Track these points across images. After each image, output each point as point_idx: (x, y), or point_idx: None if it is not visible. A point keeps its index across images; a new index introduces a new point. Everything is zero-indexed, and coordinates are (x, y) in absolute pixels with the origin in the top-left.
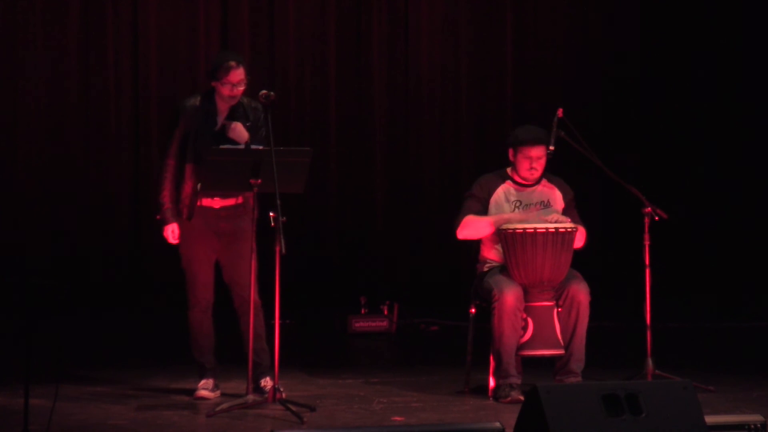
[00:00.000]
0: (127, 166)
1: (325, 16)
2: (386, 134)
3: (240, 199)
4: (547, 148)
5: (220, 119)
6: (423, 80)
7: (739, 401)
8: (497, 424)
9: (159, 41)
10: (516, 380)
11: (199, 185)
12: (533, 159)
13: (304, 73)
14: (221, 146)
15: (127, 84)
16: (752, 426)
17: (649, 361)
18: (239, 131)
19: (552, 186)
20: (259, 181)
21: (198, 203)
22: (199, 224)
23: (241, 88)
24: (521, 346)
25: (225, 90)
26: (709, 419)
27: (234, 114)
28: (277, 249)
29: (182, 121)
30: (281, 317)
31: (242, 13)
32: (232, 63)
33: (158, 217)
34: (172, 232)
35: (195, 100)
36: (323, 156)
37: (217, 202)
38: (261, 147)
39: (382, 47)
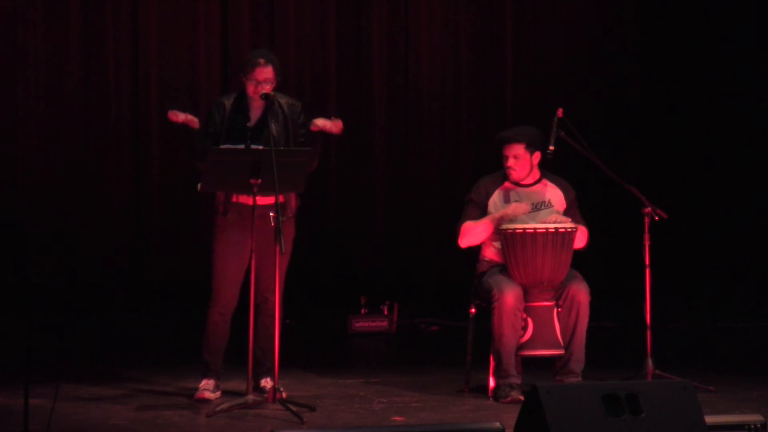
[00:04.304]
0: (127, 166)
1: (325, 16)
2: (386, 134)
3: (281, 198)
4: (546, 149)
5: (254, 116)
6: (423, 80)
7: (739, 401)
8: (497, 424)
9: (159, 41)
10: (516, 380)
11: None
12: (507, 157)
13: (304, 73)
14: (221, 146)
15: (127, 84)
16: (752, 426)
17: (649, 361)
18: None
19: (553, 186)
20: (259, 181)
21: (234, 200)
22: (235, 221)
23: (267, 87)
24: (521, 346)
25: (250, 87)
26: (709, 419)
27: (269, 113)
28: (277, 249)
29: (214, 119)
30: (281, 317)
31: (242, 13)
32: (261, 60)
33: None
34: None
35: (229, 98)
36: (323, 156)
37: (252, 200)
38: (261, 147)
39: (382, 47)
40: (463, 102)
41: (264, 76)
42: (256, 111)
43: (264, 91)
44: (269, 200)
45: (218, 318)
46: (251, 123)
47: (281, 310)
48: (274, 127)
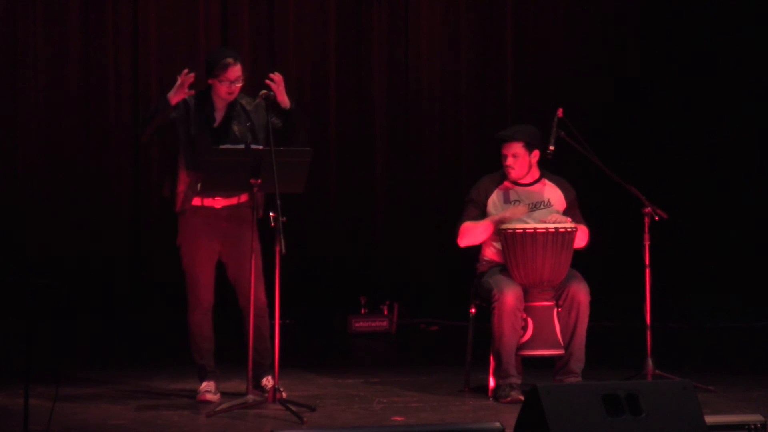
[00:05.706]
0: (127, 166)
1: (325, 16)
2: (386, 134)
3: (243, 198)
4: (546, 149)
5: (218, 117)
6: (423, 80)
7: (739, 401)
8: (497, 424)
9: (159, 41)
10: (516, 380)
11: (198, 186)
12: (506, 156)
13: (304, 73)
14: (221, 146)
15: (127, 84)
16: (752, 426)
17: (649, 361)
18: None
19: (553, 185)
20: (259, 181)
21: (199, 203)
22: (201, 224)
23: (239, 85)
24: (521, 346)
25: (223, 88)
26: (709, 419)
27: (231, 114)
28: (277, 249)
29: (177, 119)
30: (281, 317)
31: (242, 13)
32: (229, 60)
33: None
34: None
35: (190, 98)
36: (323, 156)
37: (218, 202)
38: (261, 147)
39: (382, 47)
40: (463, 102)
41: (236, 75)
42: (220, 112)
43: (264, 93)
44: (232, 201)
45: (201, 318)
46: (216, 124)
47: (273, 310)
48: (237, 129)
